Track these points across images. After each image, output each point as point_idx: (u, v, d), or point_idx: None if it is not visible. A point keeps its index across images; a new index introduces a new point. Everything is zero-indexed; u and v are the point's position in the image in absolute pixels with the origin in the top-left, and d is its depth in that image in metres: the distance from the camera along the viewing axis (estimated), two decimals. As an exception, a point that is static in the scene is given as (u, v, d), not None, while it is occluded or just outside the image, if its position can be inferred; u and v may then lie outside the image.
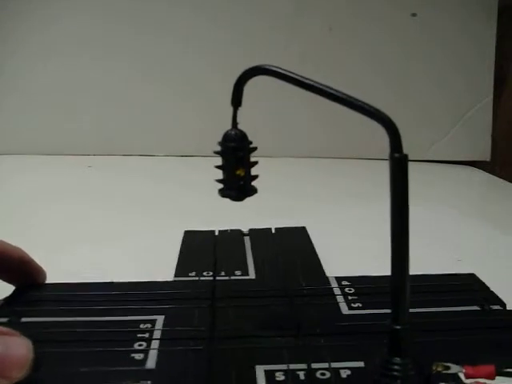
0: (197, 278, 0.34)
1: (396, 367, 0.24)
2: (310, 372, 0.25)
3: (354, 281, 0.36)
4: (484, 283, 0.36)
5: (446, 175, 0.79)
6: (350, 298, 0.33)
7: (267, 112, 0.82)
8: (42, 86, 0.83)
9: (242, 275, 0.35)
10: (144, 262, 0.41)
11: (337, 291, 0.34)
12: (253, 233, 0.43)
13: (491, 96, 0.84)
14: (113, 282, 0.33)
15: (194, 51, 0.83)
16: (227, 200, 0.25)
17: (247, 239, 0.42)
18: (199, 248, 0.40)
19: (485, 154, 0.86)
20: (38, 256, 0.41)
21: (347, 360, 0.26)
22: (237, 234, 0.43)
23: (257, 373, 0.25)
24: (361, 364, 0.26)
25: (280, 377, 0.25)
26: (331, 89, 0.23)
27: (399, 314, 0.24)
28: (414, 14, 0.83)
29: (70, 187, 0.65)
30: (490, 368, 0.25)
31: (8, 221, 0.51)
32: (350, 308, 0.32)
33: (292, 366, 0.25)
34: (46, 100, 0.83)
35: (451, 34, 0.83)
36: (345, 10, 0.83)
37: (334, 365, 0.26)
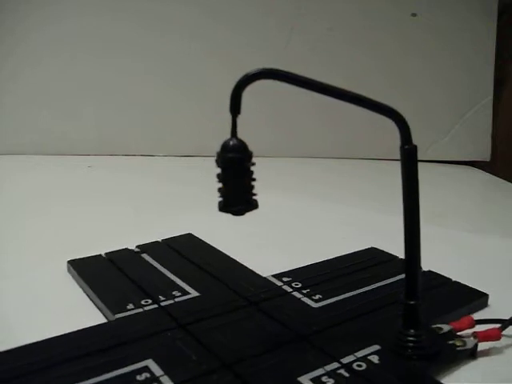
0: (141, 310, 0.31)
1: (413, 338, 0.26)
2: (348, 367, 0.25)
3: (293, 275, 0.36)
4: (390, 253, 0.40)
5: (446, 175, 0.79)
6: (304, 291, 0.34)
7: (268, 111, 0.82)
8: (41, 86, 0.83)
9: (183, 295, 0.33)
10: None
11: (287, 288, 0.34)
12: (145, 248, 0.40)
13: (491, 96, 0.84)
14: (67, 334, 0.28)
15: (195, 51, 0.83)
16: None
17: (145, 256, 0.39)
18: (105, 276, 0.36)
19: (485, 154, 0.86)
20: (36, 258, 0.41)
21: (364, 347, 0.27)
22: (130, 254, 0.39)
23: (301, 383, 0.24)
24: (377, 347, 0.27)
25: (329, 380, 0.24)
26: (334, 87, 0.23)
27: (413, 290, 0.26)
28: (414, 14, 0.83)
29: (70, 187, 0.65)
30: (470, 319, 0.29)
31: (8, 221, 0.51)
32: (315, 301, 0.33)
33: (327, 368, 0.25)
34: (45, 100, 0.83)
35: (451, 34, 0.83)
36: (345, 9, 0.83)
37: (358, 354, 0.26)
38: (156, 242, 0.42)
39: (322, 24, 0.83)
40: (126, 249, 0.40)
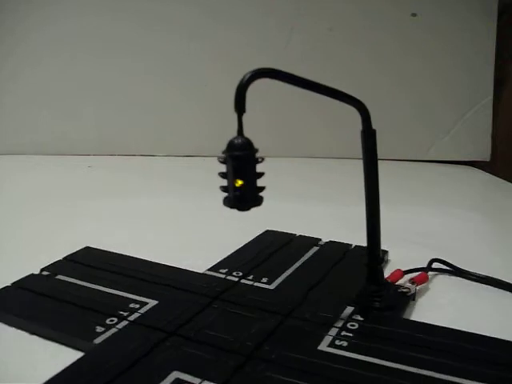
0: (115, 329, 0.28)
1: (378, 294, 0.31)
2: (346, 328, 0.28)
3: (226, 265, 0.37)
4: (287, 232, 0.44)
5: (446, 175, 0.79)
6: (250, 277, 0.35)
7: (268, 112, 0.82)
8: (41, 86, 0.83)
9: (143, 306, 0.31)
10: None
11: (233, 278, 0.35)
12: (54, 270, 0.36)
13: (491, 96, 0.84)
14: (68, 369, 0.25)
15: (195, 51, 0.83)
16: (221, 196, 0.24)
17: (62, 277, 0.35)
18: (39, 307, 0.32)
19: (485, 154, 0.86)
20: (35, 257, 0.41)
21: (342, 310, 0.30)
22: (43, 278, 0.35)
23: (325, 351, 0.26)
24: (351, 307, 0.30)
25: (341, 342, 0.27)
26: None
27: (375, 254, 0.30)
28: (413, 14, 0.83)
29: (70, 187, 0.65)
30: (400, 271, 0.36)
31: (8, 221, 0.51)
32: (266, 284, 0.34)
33: (331, 333, 0.28)
34: (45, 100, 0.83)
35: (451, 34, 0.83)
36: (345, 9, 0.83)
37: (343, 317, 0.29)
38: (59, 261, 0.38)
39: (321, 24, 0.83)
40: (32, 274, 0.36)
